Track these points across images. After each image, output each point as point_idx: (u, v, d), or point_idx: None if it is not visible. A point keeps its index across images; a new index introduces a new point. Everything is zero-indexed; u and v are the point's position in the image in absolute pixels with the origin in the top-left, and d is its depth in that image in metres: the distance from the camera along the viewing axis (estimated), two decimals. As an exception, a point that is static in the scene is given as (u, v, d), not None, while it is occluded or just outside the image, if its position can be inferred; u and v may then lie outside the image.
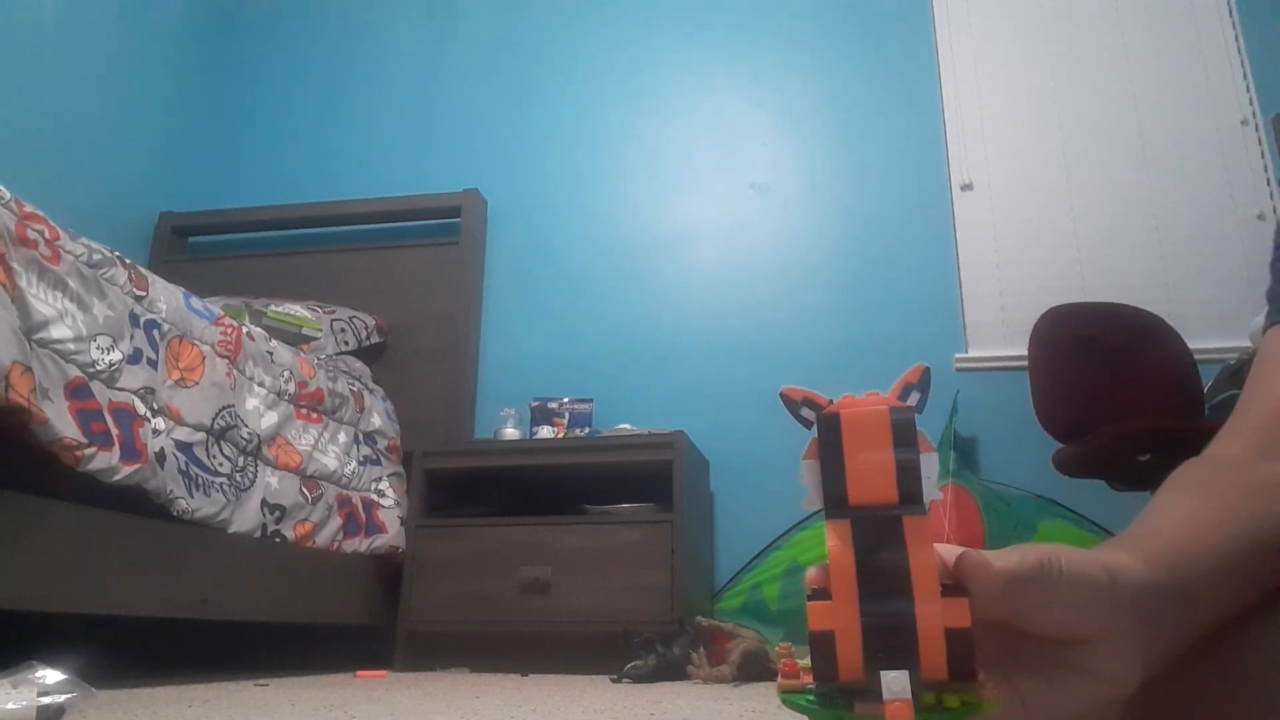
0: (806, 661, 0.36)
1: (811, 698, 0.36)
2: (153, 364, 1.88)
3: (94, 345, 1.72)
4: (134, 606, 1.80)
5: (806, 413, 0.38)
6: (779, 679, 0.37)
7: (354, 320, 3.13)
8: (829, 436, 0.37)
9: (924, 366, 0.37)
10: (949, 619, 0.33)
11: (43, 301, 1.62)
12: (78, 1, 3.28)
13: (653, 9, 3.70)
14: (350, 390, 2.68)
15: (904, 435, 0.36)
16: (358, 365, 3.01)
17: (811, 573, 0.36)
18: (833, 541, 0.35)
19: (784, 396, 0.39)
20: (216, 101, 3.93)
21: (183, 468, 1.91)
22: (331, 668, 2.45)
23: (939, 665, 0.33)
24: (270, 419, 2.25)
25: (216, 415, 2.05)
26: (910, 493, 0.35)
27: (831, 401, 0.38)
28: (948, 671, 0.33)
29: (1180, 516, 0.46)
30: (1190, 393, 2.50)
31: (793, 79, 3.50)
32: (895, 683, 0.32)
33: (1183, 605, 0.40)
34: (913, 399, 0.37)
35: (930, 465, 0.36)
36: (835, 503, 0.36)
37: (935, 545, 0.37)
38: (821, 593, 0.35)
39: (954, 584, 0.36)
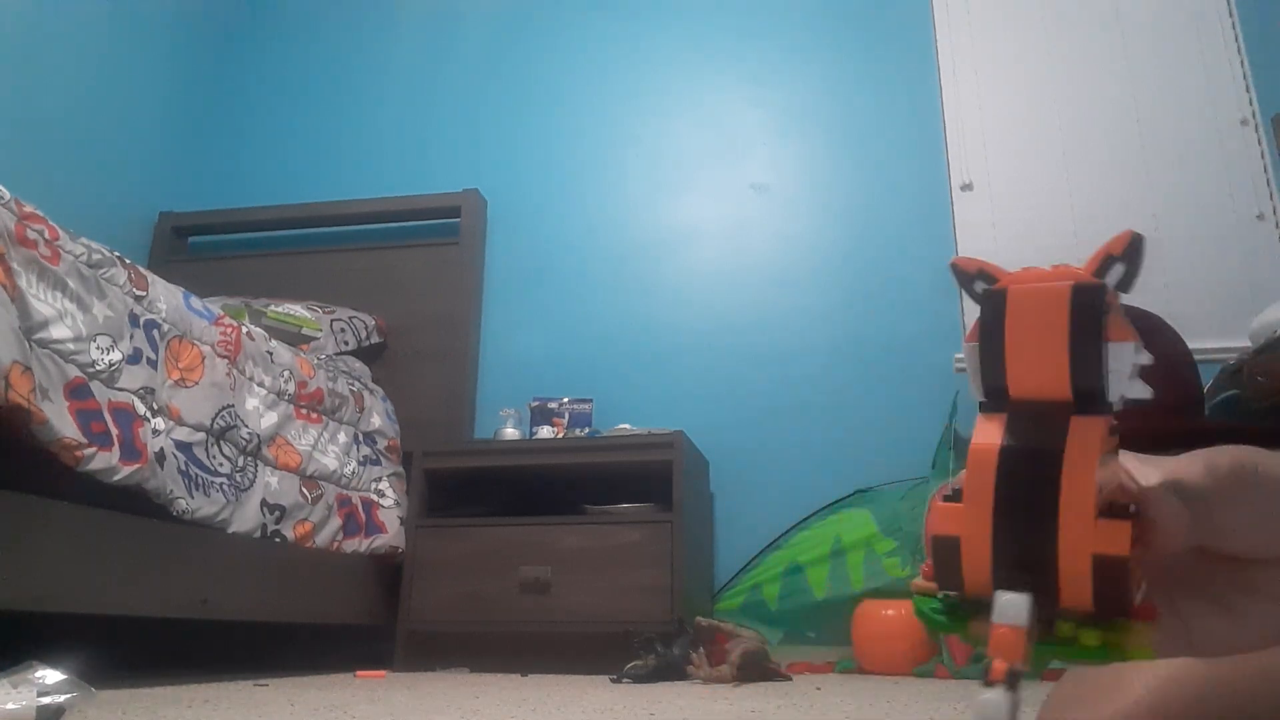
0: None
1: (937, 605, 0.32)
2: (152, 364, 1.88)
3: (94, 345, 1.72)
4: (134, 606, 1.80)
5: (980, 288, 0.33)
6: (918, 579, 0.33)
7: (354, 320, 3.13)
8: (992, 317, 0.31)
9: (1133, 233, 0.31)
10: (1100, 544, 0.28)
11: (43, 301, 1.62)
12: (78, 1, 3.27)
13: (653, 9, 3.70)
14: (350, 390, 2.68)
15: (1087, 319, 0.30)
16: (358, 365, 3.01)
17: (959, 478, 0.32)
18: (979, 433, 0.31)
19: (955, 268, 0.33)
20: (216, 101, 3.93)
21: (182, 468, 1.91)
22: (331, 668, 2.45)
23: (1083, 595, 0.29)
24: (270, 419, 2.25)
25: (216, 415, 2.05)
26: (1088, 390, 0.30)
27: (1014, 272, 0.33)
28: (1093, 604, 0.29)
29: None
30: (1190, 393, 2.50)
31: (793, 79, 3.50)
32: (1010, 606, 0.28)
33: None
34: (1114, 274, 0.31)
35: (1125, 357, 0.30)
36: (993, 394, 0.31)
37: (1132, 458, 0.32)
38: (958, 495, 0.31)
39: (1127, 504, 0.31)
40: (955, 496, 0.31)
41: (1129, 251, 0.31)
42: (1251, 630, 0.32)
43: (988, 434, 0.31)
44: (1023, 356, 0.30)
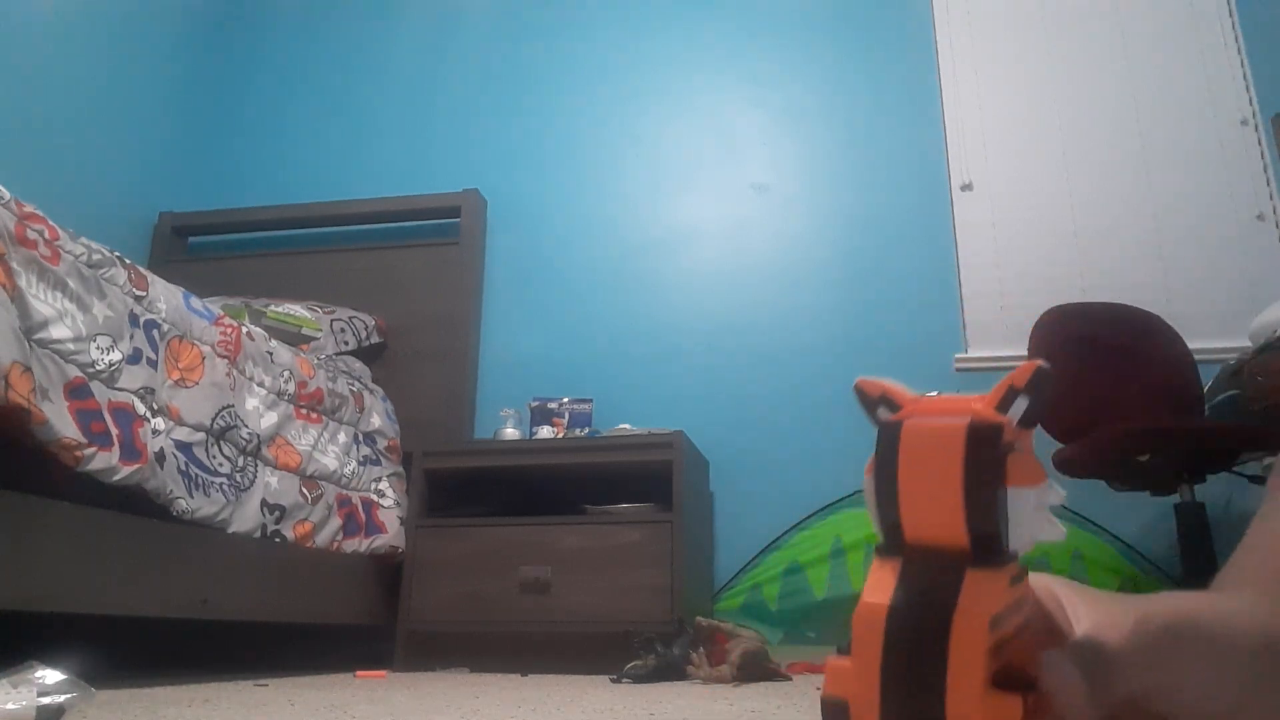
0: None
1: None
2: (152, 364, 1.88)
3: (94, 345, 1.72)
4: (134, 606, 1.80)
5: (883, 414, 0.30)
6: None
7: (354, 320, 3.13)
8: (887, 452, 0.29)
9: (1038, 365, 0.28)
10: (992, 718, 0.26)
11: (42, 301, 1.62)
12: (78, 1, 3.27)
13: (653, 9, 3.70)
14: (350, 390, 2.68)
15: (984, 461, 0.27)
16: (358, 365, 3.01)
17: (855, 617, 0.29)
18: (870, 585, 0.28)
19: (858, 390, 0.31)
20: (216, 101, 3.93)
21: (182, 468, 1.91)
22: (331, 668, 2.45)
23: None
24: (270, 419, 2.25)
25: (216, 415, 2.05)
26: (985, 538, 0.27)
27: (920, 397, 0.30)
28: None
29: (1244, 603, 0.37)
30: (1190, 393, 2.50)
31: (793, 79, 3.50)
32: None
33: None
34: (1017, 409, 0.28)
35: (1032, 501, 0.27)
36: (889, 535, 0.29)
37: (1072, 594, 0.29)
38: (849, 644, 0.28)
39: (1026, 672, 0.28)
40: (846, 648, 0.28)
41: (1033, 384, 0.28)
42: None
43: (878, 585, 0.28)
44: (917, 499, 0.28)
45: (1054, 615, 0.30)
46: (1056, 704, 0.27)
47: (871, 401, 0.31)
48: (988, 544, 0.27)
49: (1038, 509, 0.27)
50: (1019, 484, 0.27)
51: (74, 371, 1.66)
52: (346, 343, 3.05)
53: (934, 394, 0.30)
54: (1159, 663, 0.28)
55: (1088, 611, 0.30)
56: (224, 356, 2.11)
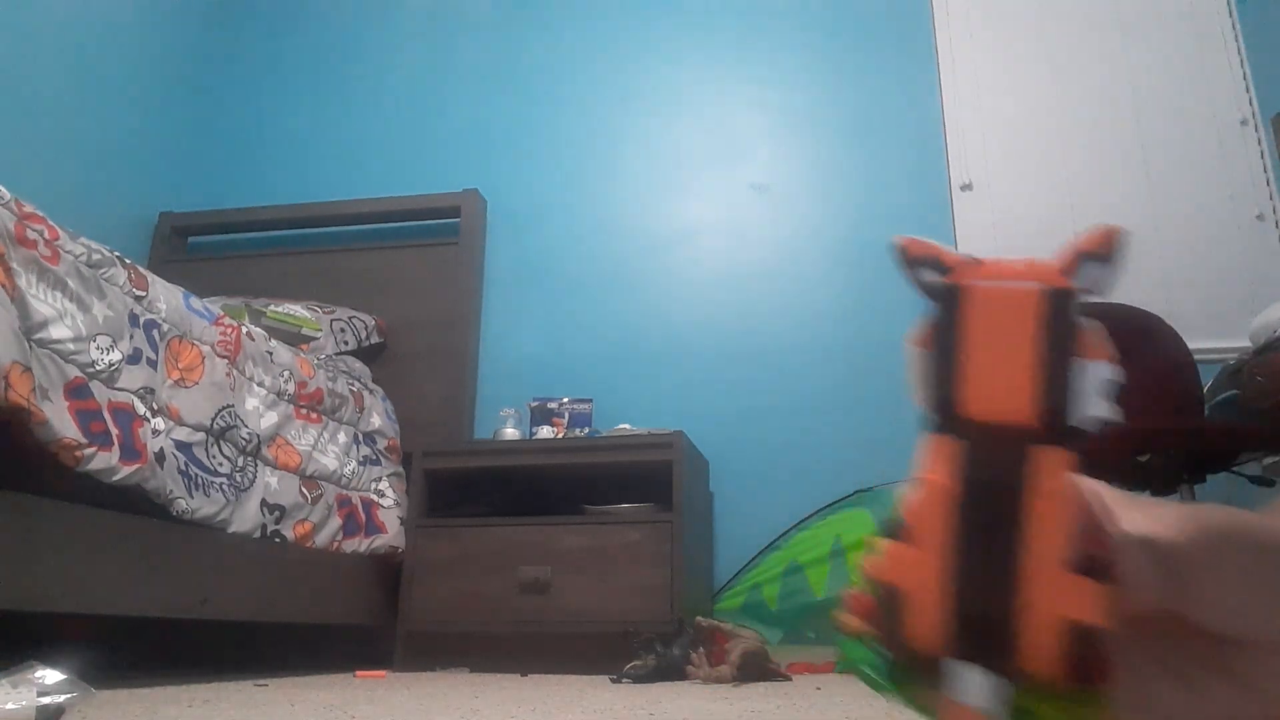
0: None
1: (873, 660, 0.27)
2: (152, 364, 1.88)
3: (94, 345, 1.72)
4: (134, 606, 1.80)
5: (928, 277, 0.27)
6: (845, 615, 0.28)
7: (354, 320, 3.13)
8: (947, 318, 0.26)
9: (1114, 229, 0.26)
10: (1072, 607, 0.24)
11: (42, 301, 1.62)
12: (78, 1, 3.27)
13: (653, 10, 3.70)
14: (350, 390, 2.68)
15: (1060, 330, 0.25)
16: (358, 365, 3.01)
17: (908, 499, 0.27)
18: (931, 467, 0.26)
19: (900, 249, 0.27)
20: (216, 101, 3.93)
21: (182, 468, 1.91)
22: (331, 668, 2.45)
23: (1046, 662, 0.25)
24: (270, 419, 2.25)
25: (216, 415, 2.05)
26: (1056, 414, 0.25)
27: (975, 260, 0.27)
28: (1059, 673, 0.25)
29: None
30: (1190, 393, 2.50)
31: (793, 79, 3.50)
32: (971, 685, 0.24)
33: None
34: (1087, 277, 0.26)
35: (1095, 376, 0.26)
36: (944, 413, 0.26)
37: (1093, 488, 0.27)
38: (901, 528, 0.26)
39: (1097, 554, 0.26)
40: (896, 532, 0.26)
41: (1106, 250, 0.26)
42: (1212, 715, 0.28)
43: (938, 465, 0.26)
44: (982, 371, 0.25)
45: (1097, 513, 0.28)
46: (1125, 594, 0.26)
47: (915, 262, 0.27)
48: (1056, 421, 0.25)
49: (1098, 387, 0.26)
50: (1087, 358, 0.25)
51: (74, 371, 1.66)
52: (346, 343, 3.05)
53: (982, 261, 0.27)
54: (1214, 569, 0.26)
55: (1139, 511, 0.28)
56: (224, 356, 2.11)
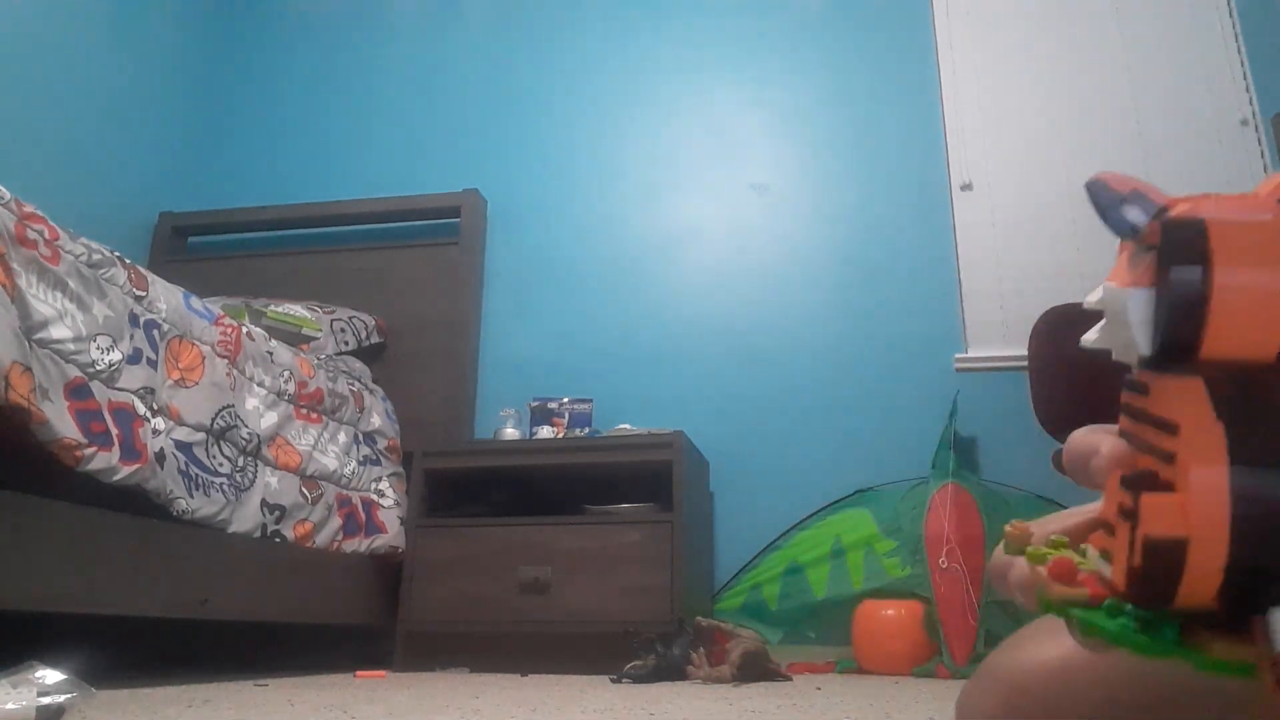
0: (1091, 563, 0.26)
1: (1126, 620, 0.25)
2: (152, 364, 1.88)
3: (94, 345, 1.72)
4: (134, 606, 1.80)
5: (1135, 215, 0.25)
6: (1048, 584, 0.26)
7: (354, 320, 3.13)
8: (1182, 251, 0.24)
9: None
10: None
11: (43, 301, 1.62)
12: (78, 2, 3.27)
13: (653, 10, 3.70)
14: (350, 390, 2.68)
15: None
16: (358, 365, 3.01)
17: (1111, 449, 0.25)
18: (1182, 407, 0.24)
19: (1099, 187, 0.26)
20: (216, 101, 3.93)
21: (182, 468, 1.91)
22: (331, 668, 2.45)
23: None
24: (270, 419, 2.25)
25: (216, 415, 2.05)
26: None
27: (1185, 198, 0.26)
28: None
29: None
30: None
31: (793, 79, 3.50)
32: None
33: None
34: None
35: None
36: (1178, 351, 0.24)
37: None
38: (1147, 479, 0.24)
39: None
40: (1143, 483, 0.25)
41: None
42: None
43: (1190, 401, 0.24)
44: (1230, 302, 0.24)
45: None
46: None
47: (1115, 200, 0.26)
48: None
49: None
50: None
51: (74, 371, 1.66)
52: (346, 343, 3.05)
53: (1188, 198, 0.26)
54: None
55: None
56: (224, 356, 2.11)
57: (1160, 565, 0.24)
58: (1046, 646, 0.39)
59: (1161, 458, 0.25)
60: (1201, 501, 0.23)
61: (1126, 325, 0.25)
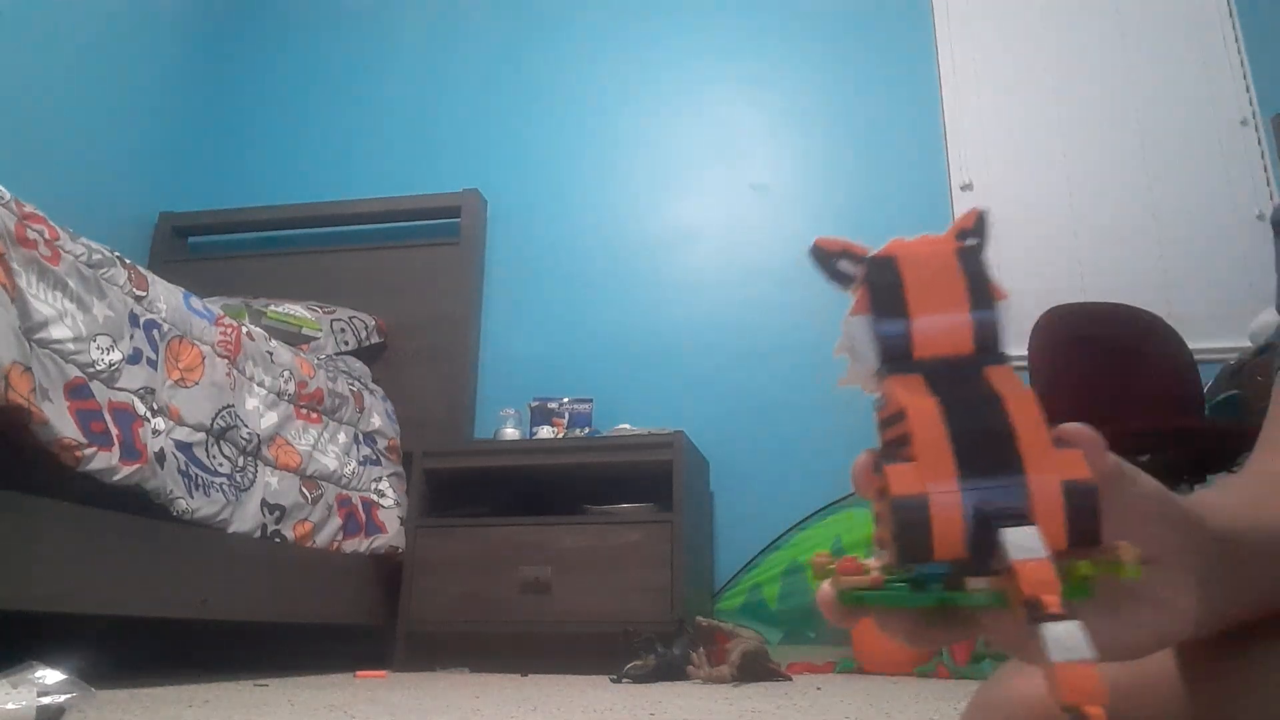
0: (871, 559, 0.32)
1: (899, 586, 0.31)
2: (152, 364, 1.88)
3: (94, 345, 1.72)
4: (134, 606, 1.80)
5: (846, 266, 0.33)
6: (836, 578, 0.31)
7: (354, 320, 3.13)
8: (884, 281, 0.32)
9: (980, 210, 0.35)
10: (1066, 471, 0.29)
11: (43, 301, 1.62)
12: (78, 2, 3.27)
13: (653, 10, 3.70)
14: (350, 390, 2.68)
15: (979, 273, 0.32)
16: (358, 365, 3.01)
17: (861, 457, 0.32)
18: (905, 396, 0.30)
19: (817, 249, 0.33)
20: (217, 101, 3.93)
21: (182, 468, 1.91)
22: (331, 668, 2.45)
23: (1057, 528, 0.28)
24: (270, 419, 2.25)
25: (216, 415, 2.05)
26: (990, 342, 0.31)
27: (884, 246, 0.33)
28: (1068, 535, 0.29)
29: (1230, 498, 0.43)
30: (1190, 393, 2.50)
31: (793, 79, 3.50)
32: (1024, 539, 0.27)
33: (1233, 567, 0.36)
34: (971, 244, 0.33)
35: (1005, 314, 0.31)
36: (896, 357, 0.31)
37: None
38: (893, 454, 0.30)
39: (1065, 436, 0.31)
40: (890, 457, 0.31)
41: (979, 227, 0.34)
42: (1139, 631, 0.33)
43: (913, 393, 0.31)
44: (926, 316, 0.31)
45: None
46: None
47: (830, 257, 0.33)
48: (992, 346, 0.31)
49: (1005, 320, 0.32)
50: (999, 297, 0.32)
51: (74, 371, 1.66)
52: (346, 343, 3.05)
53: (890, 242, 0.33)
54: (1106, 487, 0.31)
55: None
56: (224, 356, 2.11)
57: (910, 521, 0.29)
58: (1036, 680, 0.41)
59: (901, 443, 0.30)
60: (930, 459, 0.29)
61: (858, 347, 0.32)
